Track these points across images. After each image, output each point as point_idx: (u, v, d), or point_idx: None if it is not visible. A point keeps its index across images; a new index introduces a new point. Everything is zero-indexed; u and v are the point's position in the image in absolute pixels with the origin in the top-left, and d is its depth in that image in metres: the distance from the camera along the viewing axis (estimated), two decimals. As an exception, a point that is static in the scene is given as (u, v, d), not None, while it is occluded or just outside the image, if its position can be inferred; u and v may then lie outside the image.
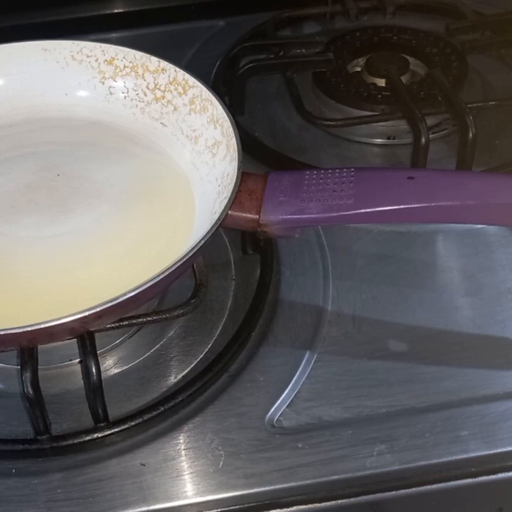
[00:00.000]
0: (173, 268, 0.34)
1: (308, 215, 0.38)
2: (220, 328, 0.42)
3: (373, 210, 0.37)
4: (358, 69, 0.57)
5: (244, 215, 0.39)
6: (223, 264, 0.45)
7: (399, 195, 0.36)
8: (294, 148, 0.53)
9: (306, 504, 0.36)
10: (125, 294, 0.33)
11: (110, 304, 0.33)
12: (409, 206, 0.36)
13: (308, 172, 0.40)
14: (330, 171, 0.39)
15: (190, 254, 0.35)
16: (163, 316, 0.39)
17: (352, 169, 0.39)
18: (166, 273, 0.33)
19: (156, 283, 0.33)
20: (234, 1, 0.66)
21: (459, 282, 0.44)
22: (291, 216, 0.38)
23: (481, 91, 0.56)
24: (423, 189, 0.36)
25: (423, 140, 0.47)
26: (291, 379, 0.39)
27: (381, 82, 0.55)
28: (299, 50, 0.58)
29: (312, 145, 0.54)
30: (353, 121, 0.53)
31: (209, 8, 0.65)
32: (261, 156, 0.52)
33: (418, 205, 0.36)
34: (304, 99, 0.54)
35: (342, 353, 0.40)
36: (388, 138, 0.53)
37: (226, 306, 0.43)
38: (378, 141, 0.54)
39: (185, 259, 0.34)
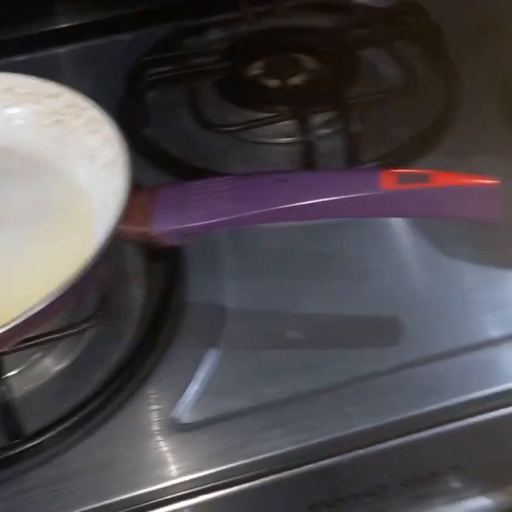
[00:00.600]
0: (62, 292, 0.36)
1: (195, 224, 0.40)
2: (130, 335, 0.44)
3: (250, 213, 0.39)
4: (256, 72, 0.59)
5: (135, 228, 0.41)
6: (130, 273, 0.47)
7: (272, 197, 0.39)
8: (201, 156, 0.55)
9: (210, 492, 0.38)
10: (11, 322, 0.34)
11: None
12: (283, 207, 0.39)
13: (193, 183, 0.42)
14: (212, 180, 0.41)
15: (81, 274, 0.37)
16: (69, 332, 0.41)
17: (231, 177, 0.41)
18: (53, 297, 0.35)
19: (45, 307, 0.35)
20: (142, 15, 0.68)
21: (350, 270, 0.47)
22: (179, 226, 0.41)
23: (373, 84, 0.59)
24: (294, 190, 0.39)
25: (306, 138, 0.49)
26: (197, 377, 0.42)
27: (277, 84, 0.57)
28: (198, 60, 0.60)
29: (219, 151, 0.55)
30: (251, 124, 0.54)
31: (117, 24, 0.67)
32: (168, 166, 0.54)
33: (290, 205, 0.39)
34: (207, 107, 0.56)
35: (244, 346, 0.43)
36: (288, 137, 0.56)
37: (135, 314, 0.45)
38: (281, 140, 0.56)
39: (75, 280, 0.36)
